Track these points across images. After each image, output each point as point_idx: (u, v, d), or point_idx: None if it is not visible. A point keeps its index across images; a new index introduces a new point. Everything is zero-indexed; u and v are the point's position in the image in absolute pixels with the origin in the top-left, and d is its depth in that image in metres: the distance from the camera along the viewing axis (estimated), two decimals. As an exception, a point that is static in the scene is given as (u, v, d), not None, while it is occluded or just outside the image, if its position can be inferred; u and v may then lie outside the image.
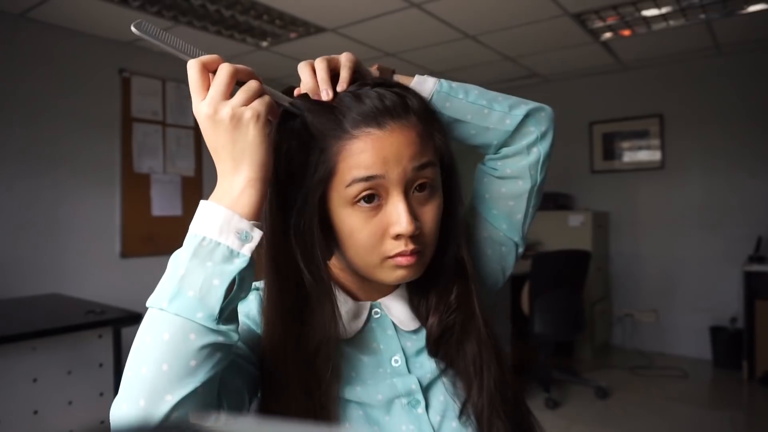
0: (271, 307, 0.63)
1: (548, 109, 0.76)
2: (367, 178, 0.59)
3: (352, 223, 0.62)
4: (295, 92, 0.67)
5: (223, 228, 0.54)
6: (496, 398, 0.67)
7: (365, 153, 0.60)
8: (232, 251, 0.53)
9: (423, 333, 0.71)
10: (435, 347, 0.69)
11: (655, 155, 4.40)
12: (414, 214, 0.62)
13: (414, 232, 0.61)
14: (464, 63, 4.16)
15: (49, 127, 3.27)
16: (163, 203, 3.80)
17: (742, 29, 3.51)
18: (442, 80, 0.71)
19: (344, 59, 0.66)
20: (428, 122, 0.65)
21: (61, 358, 1.90)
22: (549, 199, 4.46)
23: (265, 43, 3.69)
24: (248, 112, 0.59)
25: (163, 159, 3.84)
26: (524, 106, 0.73)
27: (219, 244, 0.53)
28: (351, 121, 0.61)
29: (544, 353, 3.52)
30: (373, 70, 0.71)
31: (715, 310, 4.08)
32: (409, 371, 0.68)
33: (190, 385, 0.49)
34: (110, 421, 0.50)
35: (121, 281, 3.49)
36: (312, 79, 0.65)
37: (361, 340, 0.69)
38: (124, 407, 0.49)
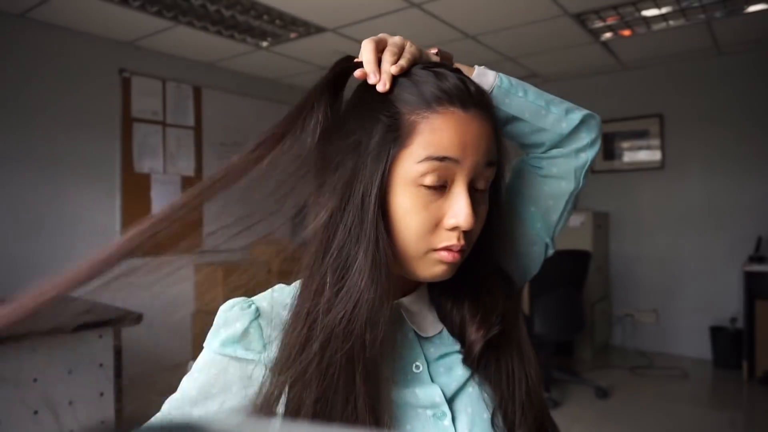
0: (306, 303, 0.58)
1: (598, 117, 0.77)
2: (443, 158, 0.56)
3: (409, 204, 0.57)
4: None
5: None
6: (528, 412, 0.63)
7: (446, 132, 0.56)
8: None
9: (445, 337, 0.66)
10: (475, 363, 0.64)
11: (655, 155, 4.40)
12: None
13: (472, 227, 0.57)
14: (464, 63, 4.15)
15: (49, 127, 3.27)
16: (163, 203, 3.77)
17: (742, 29, 3.51)
18: (502, 75, 0.69)
19: (408, 49, 0.62)
20: (496, 122, 0.63)
21: (62, 358, 1.90)
22: (549, 199, 4.46)
23: (265, 43, 3.69)
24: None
25: (163, 159, 3.85)
26: (579, 112, 0.72)
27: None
28: (432, 94, 0.57)
29: (544, 353, 3.52)
30: (431, 53, 0.68)
31: (715, 310, 4.08)
32: (432, 379, 0.63)
33: None
34: None
35: (121, 281, 3.48)
36: (373, 57, 0.60)
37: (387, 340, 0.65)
38: None
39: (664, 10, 3.16)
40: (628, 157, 4.54)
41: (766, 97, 3.92)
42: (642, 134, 4.45)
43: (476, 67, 0.69)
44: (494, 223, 0.65)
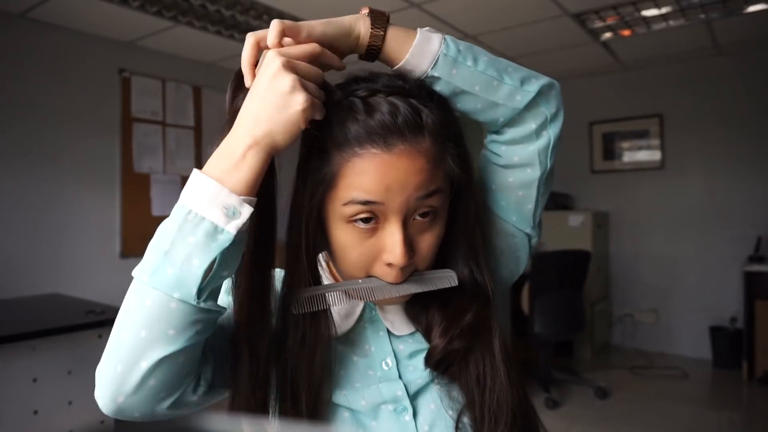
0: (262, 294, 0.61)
1: (557, 84, 0.70)
2: (366, 203, 0.56)
3: (345, 240, 0.59)
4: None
5: (210, 201, 0.50)
6: (499, 419, 0.62)
7: (367, 176, 0.55)
8: (216, 227, 0.49)
9: (418, 336, 0.68)
10: (436, 366, 0.64)
11: (655, 155, 4.40)
12: (410, 244, 0.59)
13: (406, 264, 0.58)
14: (464, 63, 4.15)
15: (49, 127, 3.27)
16: (163, 203, 3.80)
17: (742, 29, 3.51)
18: (449, 39, 0.61)
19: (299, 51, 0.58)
20: (442, 141, 0.59)
21: (61, 358, 1.90)
22: (549, 198, 4.41)
23: (265, 43, 3.69)
24: (305, 95, 0.52)
25: (163, 159, 3.85)
26: (536, 81, 0.65)
27: (203, 218, 0.50)
28: (357, 134, 0.56)
29: (544, 353, 3.52)
30: (363, 11, 0.63)
31: (715, 310, 4.08)
32: (399, 376, 0.65)
33: (166, 350, 0.50)
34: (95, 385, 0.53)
35: (121, 281, 3.46)
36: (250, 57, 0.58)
37: (352, 339, 0.67)
38: (102, 371, 0.53)
39: (664, 10, 3.16)
40: (628, 157, 4.54)
41: (766, 97, 3.92)
42: (642, 134, 4.45)
43: (419, 30, 0.60)
44: (459, 235, 0.65)
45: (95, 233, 3.46)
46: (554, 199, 4.46)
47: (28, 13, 3.10)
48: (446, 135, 0.59)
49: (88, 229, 3.43)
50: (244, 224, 0.51)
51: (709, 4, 3.07)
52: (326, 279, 0.69)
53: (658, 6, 3.10)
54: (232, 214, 0.50)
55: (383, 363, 0.66)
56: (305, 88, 0.52)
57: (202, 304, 0.50)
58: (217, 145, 0.54)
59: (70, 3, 2.96)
